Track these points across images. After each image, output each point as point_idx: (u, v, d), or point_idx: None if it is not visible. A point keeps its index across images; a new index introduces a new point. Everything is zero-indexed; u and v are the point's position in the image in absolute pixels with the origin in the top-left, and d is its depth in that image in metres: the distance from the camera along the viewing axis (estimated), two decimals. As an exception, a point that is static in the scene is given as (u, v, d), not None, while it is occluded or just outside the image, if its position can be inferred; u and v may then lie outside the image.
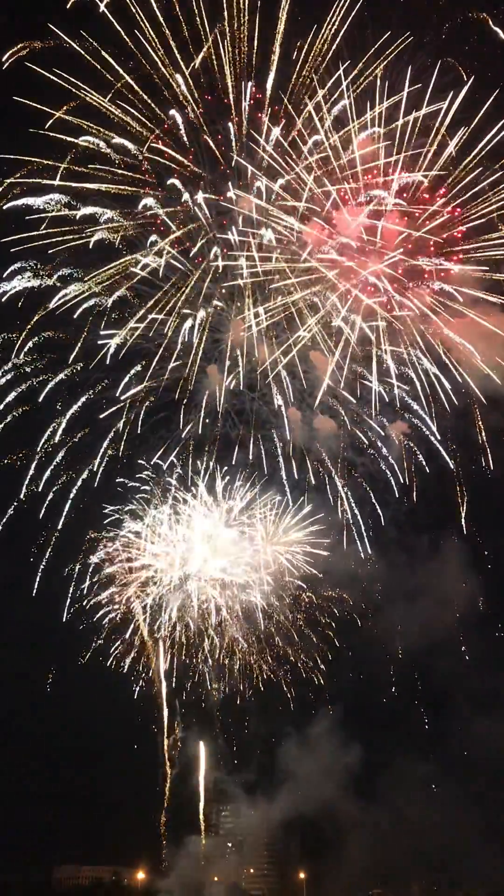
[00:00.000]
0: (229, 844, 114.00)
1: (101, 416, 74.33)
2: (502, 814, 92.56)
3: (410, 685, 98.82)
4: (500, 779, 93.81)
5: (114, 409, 74.18)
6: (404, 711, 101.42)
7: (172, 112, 67.46)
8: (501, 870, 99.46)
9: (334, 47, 65.48)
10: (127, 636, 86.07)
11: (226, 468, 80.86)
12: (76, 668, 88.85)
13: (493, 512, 79.82)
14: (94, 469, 75.99)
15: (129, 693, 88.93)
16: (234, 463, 79.02)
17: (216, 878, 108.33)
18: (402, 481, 75.98)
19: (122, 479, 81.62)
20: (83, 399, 73.45)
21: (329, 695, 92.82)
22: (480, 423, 72.67)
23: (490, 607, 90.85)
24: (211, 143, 69.02)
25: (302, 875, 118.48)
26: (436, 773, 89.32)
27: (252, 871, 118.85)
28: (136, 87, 66.48)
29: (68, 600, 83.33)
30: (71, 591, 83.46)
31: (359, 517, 79.53)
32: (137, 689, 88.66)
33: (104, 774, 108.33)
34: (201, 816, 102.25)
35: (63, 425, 73.65)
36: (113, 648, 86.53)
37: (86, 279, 69.78)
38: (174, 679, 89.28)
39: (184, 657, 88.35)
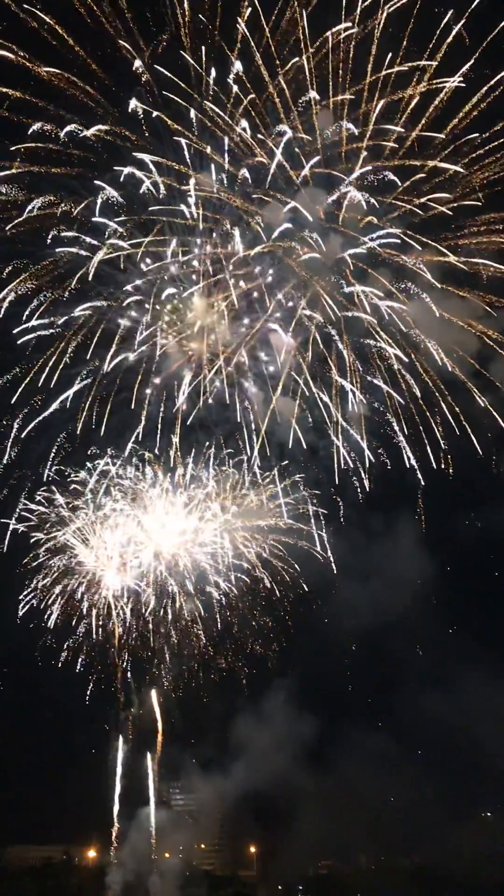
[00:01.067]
0: (188, 818, 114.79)
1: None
2: (448, 785, 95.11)
3: (363, 662, 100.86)
4: (448, 751, 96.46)
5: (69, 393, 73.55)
6: (356, 687, 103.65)
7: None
8: (445, 838, 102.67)
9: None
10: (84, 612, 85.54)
11: (187, 454, 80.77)
12: (25, 648, 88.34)
13: (449, 498, 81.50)
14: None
15: (77, 671, 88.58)
16: (191, 447, 79.19)
17: (167, 855, 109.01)
18: (360, 464, 76.94)
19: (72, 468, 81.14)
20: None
21: (283, 671, 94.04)
22: (444, 406, 74.03)
23: (441, 588, 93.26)
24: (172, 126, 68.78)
25: (253, 849, 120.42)
26: (386, 746, 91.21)
27: (203, 846, 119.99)
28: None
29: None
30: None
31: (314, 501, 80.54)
32: (84, 661, 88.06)
33: (54, 754, 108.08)
34: (151, 792, 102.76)
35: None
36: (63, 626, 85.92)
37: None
38: (129, 658, 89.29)
39: (139, 635, 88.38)
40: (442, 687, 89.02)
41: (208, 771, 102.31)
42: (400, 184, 69.04)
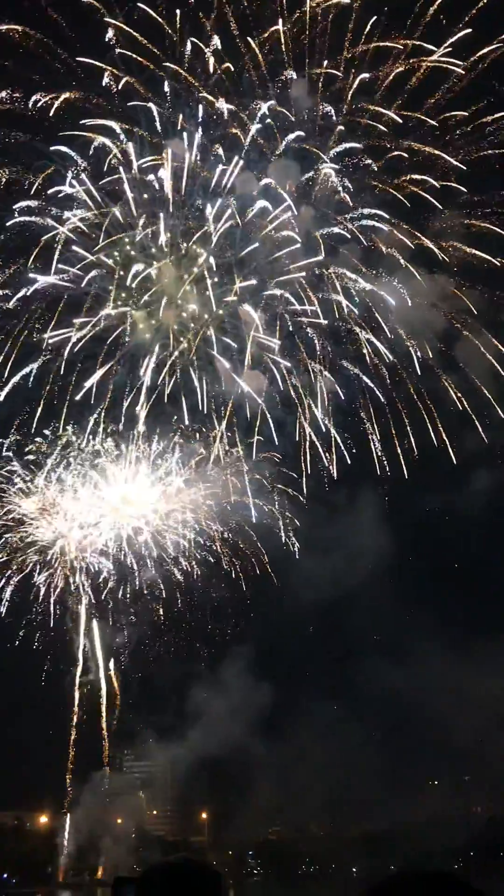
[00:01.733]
0: (138, 782, 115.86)
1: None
2: (399, 755, 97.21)
3: (321, 635, 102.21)
4: (398, 723, 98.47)
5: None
6: (313, 659, 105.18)
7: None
8: (394, 807, 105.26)
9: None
10: (40, 580, 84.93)
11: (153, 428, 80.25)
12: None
13: (408, 471, 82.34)
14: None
15: (35, 644, 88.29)
16: (157, 420, 78.73)
17: (119, 821, 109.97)
18: (325, 442, 77.44)
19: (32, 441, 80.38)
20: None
21: (241, 641, 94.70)
22: (409, 386, 74.71)
23: (400, 565, 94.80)
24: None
25: (204, 816, 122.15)
26: (340, 716, 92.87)
27: (155, 812, 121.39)
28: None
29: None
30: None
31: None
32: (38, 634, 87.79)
33: (5, 721, 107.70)
34: (105, 757, 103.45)
35: None
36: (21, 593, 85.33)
37: None
38: (86, 623, 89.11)
39: (98, 606, 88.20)
40: (396, 660, 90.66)
41: (163, 738, 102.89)
42: (375, 166, 69.15)
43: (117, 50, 65.68)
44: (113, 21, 65.14)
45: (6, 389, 72.41)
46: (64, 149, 67.36)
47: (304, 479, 78.67)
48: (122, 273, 70.12)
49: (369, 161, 68.24)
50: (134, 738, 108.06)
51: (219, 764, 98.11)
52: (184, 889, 3.28)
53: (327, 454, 76.78)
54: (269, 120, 68.47)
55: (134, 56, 66.04)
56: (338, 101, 67.67)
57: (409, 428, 75.45)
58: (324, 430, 75.81)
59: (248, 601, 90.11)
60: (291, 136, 67.50)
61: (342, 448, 76.87)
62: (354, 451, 77.64)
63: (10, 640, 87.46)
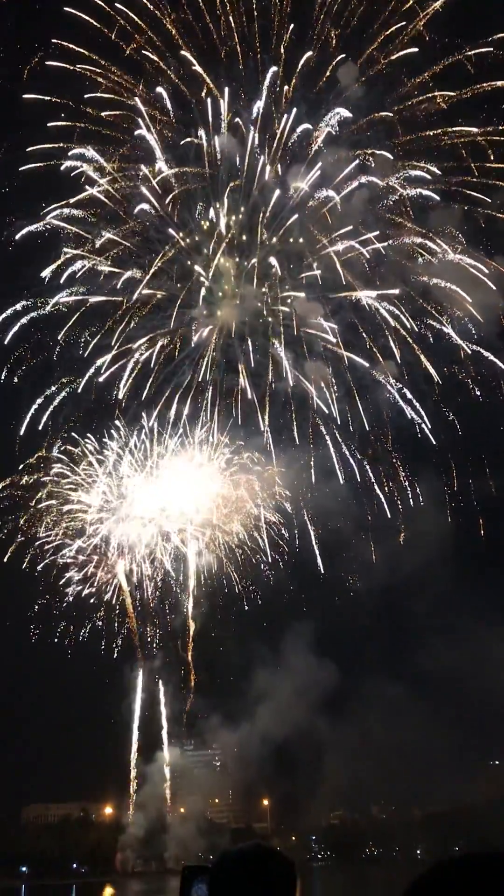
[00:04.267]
0: (201, 770, 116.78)
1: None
2: (460, 736, 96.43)
3: (381, 615, 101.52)
4: (459, 704, 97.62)
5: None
6: (374, 640, 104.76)
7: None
8: (456, 788, 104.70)
9: None
10: (97, 571, 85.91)
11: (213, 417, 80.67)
12: (41, 608, 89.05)
13: (472, 459, 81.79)
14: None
15: (96, 630, 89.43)
16: (220, 410, 79.24)
17: (183, 810, 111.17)
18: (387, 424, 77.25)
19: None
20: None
21: (303, 622, 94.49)
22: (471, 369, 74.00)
23: (459, 545, 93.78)
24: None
25: (266, 802, 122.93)
26: (402, 698, 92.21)
27: (218, 800, 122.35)
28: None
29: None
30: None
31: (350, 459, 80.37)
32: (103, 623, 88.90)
33: (71, 713, 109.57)
34: (167, 746, 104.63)
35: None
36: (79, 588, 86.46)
37: None
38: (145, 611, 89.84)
39: (157, 590, 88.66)
40: (457, 642, 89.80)
41: (226, 725, 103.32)
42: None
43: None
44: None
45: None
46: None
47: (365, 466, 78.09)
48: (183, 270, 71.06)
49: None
50: (196, 727, 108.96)
51: (281, 749, 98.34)
52: (259, 877, 3.28)
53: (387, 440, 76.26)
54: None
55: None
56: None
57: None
58: (386, 412, 75.47)
59: (313, 584, 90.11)
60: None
61: (404, 431, 76.20)
62: (414, 432, 77.16)
63: (77, 634, 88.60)
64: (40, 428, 77.47)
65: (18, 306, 72.75)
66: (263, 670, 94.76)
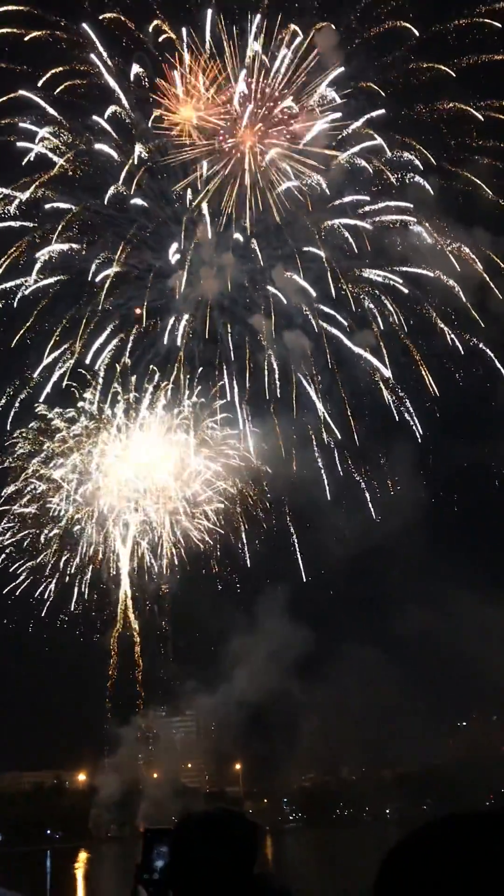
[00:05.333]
0: (173, 736, 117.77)
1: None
2: (431, 697, 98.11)
3: (356, 578, 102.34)
4: (430, 666, 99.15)
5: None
6: (349, 603, 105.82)
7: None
8: (426, 750, 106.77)
9: None
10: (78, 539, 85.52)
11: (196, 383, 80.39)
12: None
13: (443, 425, 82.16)
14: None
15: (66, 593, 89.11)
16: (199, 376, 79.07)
17: (156, 775, 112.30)
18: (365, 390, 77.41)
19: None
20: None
21: (278, 586, 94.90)
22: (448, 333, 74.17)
23: (434, 511, 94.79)
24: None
25: (238, 766, 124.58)
26: (373, 660, 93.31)
27: (190, 765, 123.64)
28: None
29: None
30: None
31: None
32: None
33: (43, 681, 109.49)
34: (140, 712, 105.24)
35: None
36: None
37: None
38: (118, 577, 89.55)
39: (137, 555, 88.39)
40: (429, 605, 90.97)
41: (197, 690, 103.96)
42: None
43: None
44: None
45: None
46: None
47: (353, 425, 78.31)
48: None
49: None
50: (168, 692, 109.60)
51: (255, 713, 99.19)
52: (219, 839, 3.22)
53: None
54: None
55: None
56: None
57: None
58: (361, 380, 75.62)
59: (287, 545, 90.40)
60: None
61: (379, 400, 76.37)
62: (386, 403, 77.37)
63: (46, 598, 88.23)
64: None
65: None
66: (238, 635, 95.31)
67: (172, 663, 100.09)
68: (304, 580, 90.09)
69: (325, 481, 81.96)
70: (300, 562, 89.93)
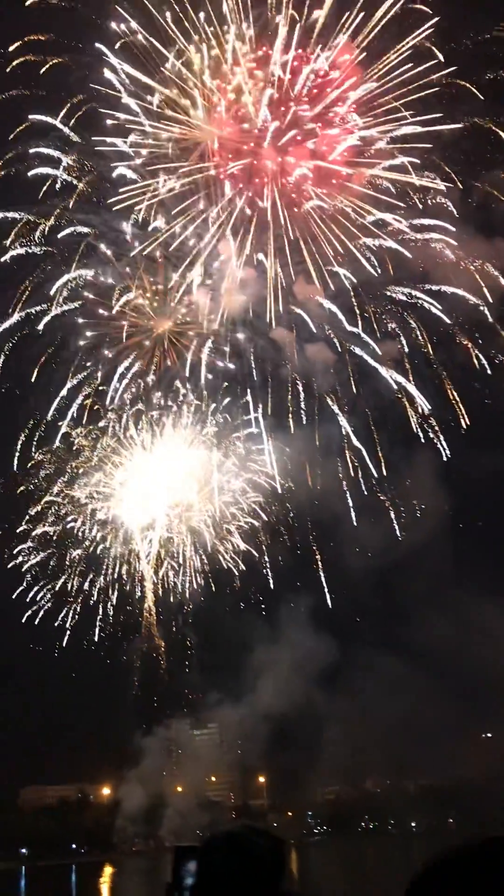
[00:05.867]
0: (198, 749, 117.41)
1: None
2: (455, 709, 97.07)
3: (377, 589, 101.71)
4: (455, 679, 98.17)
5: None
6: (372, 615, 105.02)
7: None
8: (450, 762, 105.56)
9: None
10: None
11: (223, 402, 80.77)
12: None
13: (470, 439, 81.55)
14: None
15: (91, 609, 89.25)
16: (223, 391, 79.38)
17: (179, 789, 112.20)
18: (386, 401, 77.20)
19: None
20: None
21: (301, 598, 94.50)
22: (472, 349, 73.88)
23: (455, 522, 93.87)
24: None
25: (262, 779, 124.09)
26: (397, 673, 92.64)
27: (214, 778, 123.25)
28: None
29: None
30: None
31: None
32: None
33: (68, 695, 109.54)
34: (164, 726, 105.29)
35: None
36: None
37: None
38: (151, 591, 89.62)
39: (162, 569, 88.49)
40: (453, 615, 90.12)
41: (222, 703, 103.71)
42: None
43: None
44: None
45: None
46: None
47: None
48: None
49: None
50: (192, 705, 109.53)
51: (275, 725, 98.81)
52: (245, 857, 3.27)
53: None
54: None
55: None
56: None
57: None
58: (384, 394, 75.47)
59: (310, 561, 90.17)
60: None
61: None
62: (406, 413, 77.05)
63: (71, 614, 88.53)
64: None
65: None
66: (261, 648, 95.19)
67: (196, 676, 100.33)
68: (327, 592, 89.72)
69: (349, 497, 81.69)
70: (323, 575, 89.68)
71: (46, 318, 72.89)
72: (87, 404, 78.28)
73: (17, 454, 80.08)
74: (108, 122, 67.73)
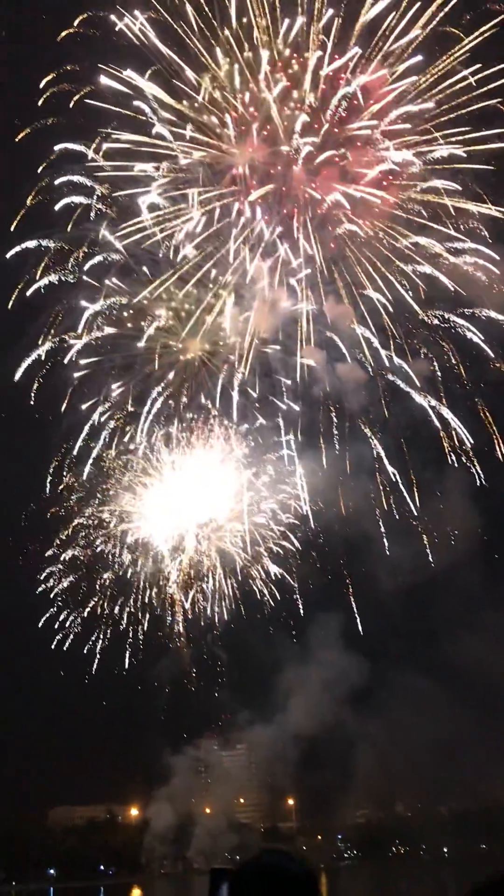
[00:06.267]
0: (226, 771, 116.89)
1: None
2: (487, 732, 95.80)
3: (410, 609, 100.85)
4: (488, 701, 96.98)
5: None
6: (402, 634, 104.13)
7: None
8: (483, 786, 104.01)
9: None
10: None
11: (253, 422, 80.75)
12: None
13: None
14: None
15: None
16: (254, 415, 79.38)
17: (208, 810, 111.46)
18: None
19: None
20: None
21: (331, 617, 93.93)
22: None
23: (489, 542, 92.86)
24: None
25: (291, 801, 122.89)
26: (429, 694, 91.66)
27: (243, 800, 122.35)
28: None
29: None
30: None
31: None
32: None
33: (94, 714, 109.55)
34: (193, 747, 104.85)
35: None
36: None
37: None
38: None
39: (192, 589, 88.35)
40: (485, 635, 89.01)
41: (251, 725, 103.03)
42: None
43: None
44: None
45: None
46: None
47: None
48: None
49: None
50: (221, 725, 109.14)
51: (305, 746, 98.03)
52: (279, 886, 3.24)
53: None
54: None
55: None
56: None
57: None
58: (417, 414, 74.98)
59: (341, 582, 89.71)
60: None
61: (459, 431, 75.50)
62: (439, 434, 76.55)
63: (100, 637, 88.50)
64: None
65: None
66: (291, 668, 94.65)
67: (226, 696, 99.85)
68: (358, 613, 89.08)
69: (380, 519, 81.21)
70: (353, 596, 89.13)
71: (78, 346, 73.38)
72: (117, 427, 78.59)
73: (49, 478, 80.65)
74: (139, 148, 68.39)
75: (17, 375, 73.51)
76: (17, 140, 71.92)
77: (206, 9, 65.19)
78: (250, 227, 70.37)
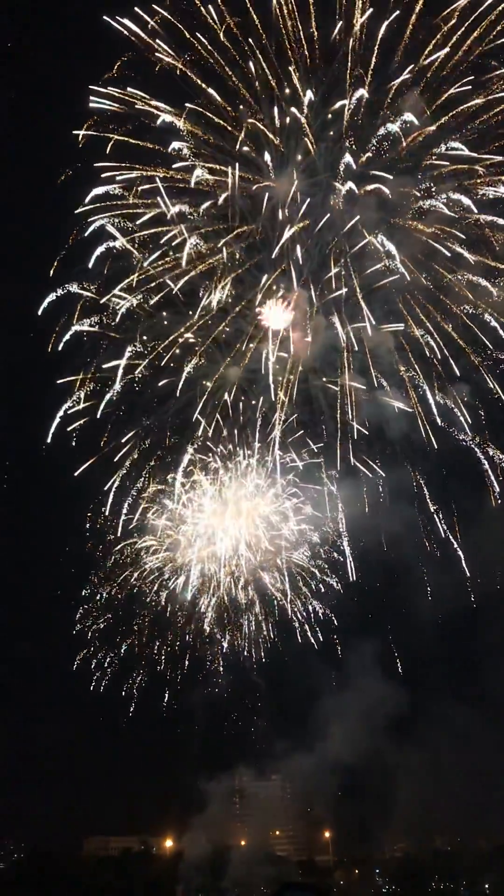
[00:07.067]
0: (261, 802, 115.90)
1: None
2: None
3: (448, 639, 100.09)
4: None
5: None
6: (442, 664, 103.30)
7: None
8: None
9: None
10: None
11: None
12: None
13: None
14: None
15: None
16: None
17: (243, 843, 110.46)
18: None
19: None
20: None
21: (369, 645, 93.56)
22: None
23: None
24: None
25: (327, 834, 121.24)
26: (469, 724, 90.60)
27: (278, 833, 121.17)
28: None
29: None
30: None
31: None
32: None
33: (129, 745, 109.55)
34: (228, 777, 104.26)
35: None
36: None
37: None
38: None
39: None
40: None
41: (291, 750, 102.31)
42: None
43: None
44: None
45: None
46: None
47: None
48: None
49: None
50: (257, 755, 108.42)
51: (341, 777, 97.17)
52: None
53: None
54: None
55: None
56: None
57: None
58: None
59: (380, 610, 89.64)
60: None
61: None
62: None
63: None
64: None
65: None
66: (329, 696, 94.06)
67: (262, 725, 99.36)
68: (395, 642, 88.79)
69: (420, 546, 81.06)
70: (392, 625, 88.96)
71: (110, 394, 74.04)
72: (156, 464, 79.14)
73: (88, 525, 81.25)
74: (177, 185, 69.67)
75: (55, 422, 74.86)
76: (58, 182, 73.67)
77: (243, 42, 67.15)
78: (289, 257, 71.51)
